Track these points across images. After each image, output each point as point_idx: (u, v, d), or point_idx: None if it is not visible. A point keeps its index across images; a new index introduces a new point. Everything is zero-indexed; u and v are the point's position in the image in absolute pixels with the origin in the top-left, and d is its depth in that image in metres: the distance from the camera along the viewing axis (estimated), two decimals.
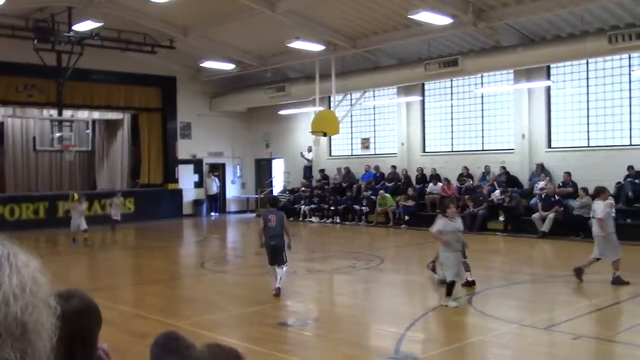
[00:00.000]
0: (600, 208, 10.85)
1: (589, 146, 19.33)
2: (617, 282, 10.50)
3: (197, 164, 28.29)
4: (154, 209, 25.74)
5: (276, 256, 10.31)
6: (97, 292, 10.55)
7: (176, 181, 27.22)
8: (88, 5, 19.23)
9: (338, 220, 23.42)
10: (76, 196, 18.68)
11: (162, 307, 10.07)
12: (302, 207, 24.90)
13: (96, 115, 27.89)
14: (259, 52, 23.81)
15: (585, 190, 17.61)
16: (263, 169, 30.07)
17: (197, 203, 27.91)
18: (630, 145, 18.43)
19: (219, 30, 21.46)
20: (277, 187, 29.06)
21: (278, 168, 29.50)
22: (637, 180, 17.65)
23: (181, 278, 13.57)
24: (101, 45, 21.42)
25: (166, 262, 15.63)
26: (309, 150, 26.53)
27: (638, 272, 11.57)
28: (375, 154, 25.34)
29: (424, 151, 23.71)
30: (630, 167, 17.80)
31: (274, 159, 29.44)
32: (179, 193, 27.24)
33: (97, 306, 2.27)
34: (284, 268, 10.43)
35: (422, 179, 22.82)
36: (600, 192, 11.27)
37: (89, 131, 28.41)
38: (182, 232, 23.62)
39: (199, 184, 28.22)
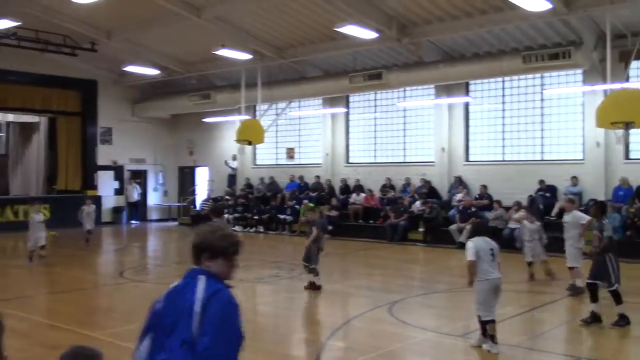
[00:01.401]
0: (583, 215, 11.21)
1: (503, 160, 20.15)
2: (574, 290, 10.97)
3: (118, 171, 27.63)
4: (71, 216, 24.88)
5: None
6: (7, 302, 10.15)
7: (95, 188, 26.47)
8: (5, 3, 18.49)
9: (262, 230, 23.39)
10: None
11: (78, 318, 9.79)
12: (226, 215, 24.71)
13: (10, 117, 26.81)
14: (184, 58, 23.56)
15: (499, 202, 18.37)
16: (186, 177, 29.68)
17: (117, 210, 27.23)
18: (542, 160, 19.36)
19: (143, 34, 21.09)
20: (200, 195, 28.73)
21: (202, 176, 29.18)
22: (547, 194, 18.54)
23: (99, 287, 13.21)
24: (18, 45, 20.61)
25: (83, 271, 15.17)
26: (234, 158, 26.41)
27: (547, 282, 12.18)
28: (299, 164, 25.49)
29: (347, 162, 24.05)
30: (541, 181, 18.69)
31: (198, 166, 29.12)
32: (98, 200, 26.49)
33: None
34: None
35: (346, 189, 23.14)
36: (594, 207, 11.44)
37: (3, 134, 27.24)
38: (101, 240, 22.97)
39: (119, 191, 27.54)
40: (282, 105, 24.71)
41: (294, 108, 25.02)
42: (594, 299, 8.84)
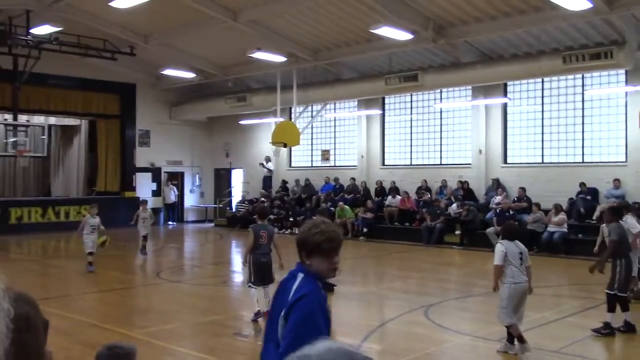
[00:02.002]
0: (635, 224, 10.62)
1: (543, 162, 19.79)
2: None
3: (156, 172, 27.98)
4: (110, 217, 25.19)
5: (267, 274, 9.34)
6: (48, 300, 10.34)
7: (134, 189, 26.84)
8: (47, 9, 18.91)
9: (297, 232, 23.40)
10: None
11: (116, 317, 9.91)
12: (269, 212, 24.79)
13: (52, 120, 27.38)
14: (220, 61, 23.75)
15: (538, 205, 18.05)
16: (222, 179, 29.90)
17: (154, 212, 27.53)
18: (583, 162, 18.95)
19: (180, 38, 21.34)
20: (236, 197, 28.92)
21: (237, 178, 29.37)
22: (588, 197, 18.14)
23: (137, 287, 13.38)
24: (59, 50, 21.06)
25: (121, 271, 15.39)
26: (267, 160, 26.51)
27: (587, 286, 11.89)
28: (335, 166, 25.46)
29: (383, 164, 23.93)
30: (582, 184, 18.28)
31: (233, 168, 29.32)
32: (136, 201, 26.85)
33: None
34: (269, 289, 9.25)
35: (381, 191, 23.02)
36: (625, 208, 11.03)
37: (45, 137, 27.84)
38: (139, 241, 23.28)
39: (157, 193, 27.88)
40: (317, 107, 24.71)
41: (329, 110, 25.00)
42: (621, 308, 8.54)
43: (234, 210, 27.61)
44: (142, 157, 27.29)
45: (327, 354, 1.11)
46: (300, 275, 3.07)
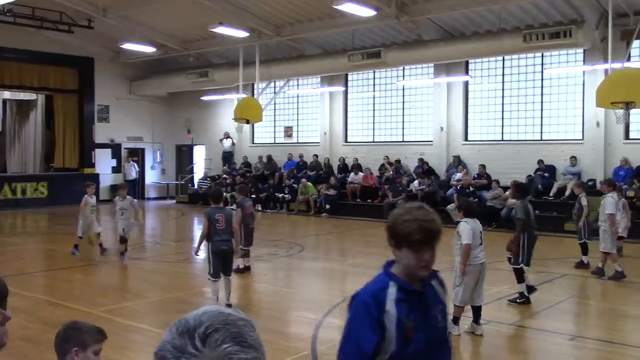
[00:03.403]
0: (610, 204, 10.76)
1: (502, 140, 20.10)
2: (618, 276, 10.61)
3: (116, 149, 27.53)
4: (68, 193, 24.87)
5: (228, 264, 8.63)
6: (6, 279, 10.14)
7: (93, 166, 26.39)
8: None
9: (259, 208, 23.37)
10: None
11: (76, 294, 9.80)
12: (224, 194, 24.70)
13: (7, 95, 26.62)
14: (181, 36, 23.36)
15: (497, 182, 18.37)
16: (184, 155, 29.61)
17: (114, 188, 27.12)
18: (541, 140, 19.31)
19: (140, 11, 20.88)
20: (198, 173, 28.69)
21: (199, 154, 29.11)
22: (546, 174, 18.52)
23: (97, 265, 13.21)
24: (14, 22, 20.40)
25: (81, 249, 15.17)
26: (226, 136, 26.35)
27: (544, 261, 12.17)
28: (298, 143, 25.42)
29: (346, 141, 23.98)
30: (540, 161, 18.65)
31: (195, 145, 29.03)
32: (95, 178, 26.43)
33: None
34: (231, 278, 8.77)
35: (344, 168, 23.10)
36: (608, 185, 11.17)
37: None
38: (98, 218, 22.94)
39: (117, 169, 27.47)
40: (280, 83, 24.57)
41: (292, 86, 24.88)
42: (518, 279, 8.82)
43: (195, 187, 27.40)
44: (102, 133, 26.80)
45: (202, 316, 1.14)
46: (380, 272, 2.64)
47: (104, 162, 26.87)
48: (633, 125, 17.62)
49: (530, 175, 18.65)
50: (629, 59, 16.50)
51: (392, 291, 2.51)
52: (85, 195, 13.47)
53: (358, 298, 2.55)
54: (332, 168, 23.41)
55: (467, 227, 7.25)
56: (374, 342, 2.46)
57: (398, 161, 21.53)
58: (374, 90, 23.22)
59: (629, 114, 14.83)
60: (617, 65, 15.27)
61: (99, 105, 26.82)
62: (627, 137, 17.81)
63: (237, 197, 10.40)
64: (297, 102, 25.57)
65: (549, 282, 10.63)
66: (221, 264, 8.48)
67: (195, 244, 9.47)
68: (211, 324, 1.12)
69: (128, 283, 10.82)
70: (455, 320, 7.25)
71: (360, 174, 22.03)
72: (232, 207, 11.89)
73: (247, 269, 11.47)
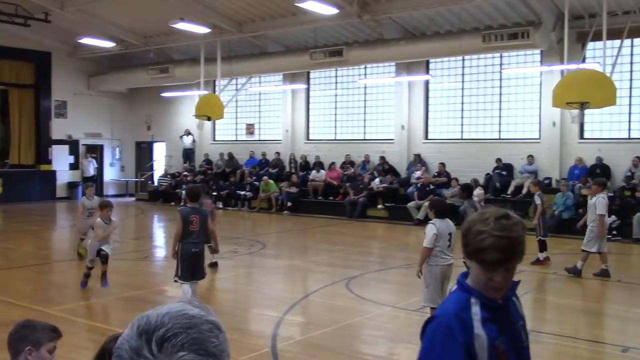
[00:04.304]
0: (602, 204, 10.73)
1: (462, 139, 20.39)
2: (603, 274, 10.70)
3: (73, 145, 27.03)
4: (24, 191, 24.35)
5: (198, 268, 8.08)
6: None
7: (50, 162, 25.87)
8: None
9: (221, 206, 23.23)
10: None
11: (31, 294, 9.60)
12: (184, 192, 24.52)
13: None
14: (142, 31, 23.05)
15: (456, 180, 18.64)
16: (144, 152, 29.24)
17: (72, 185, 26.69)
18: (500, 139, 19.65)
19: (99, 5, 20.53)
20: (158, 170, 28.37)
21: (160, 151, 28.78)
22: (504, 172, 18.86)
23: (53, 263, 12.97)
24: None
25: (37, 247, 14.87)
26: (187, 133, 26.15)
27: None
28: (260, 140, 25.35)
29: (308, 139, 24.01)
30: (498, 160, 18.99)
31: (155, 141, 28.70)
32: (52, 175, 25.94)
33: None
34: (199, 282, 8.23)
35: (306, 166, 23.12)
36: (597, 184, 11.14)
37: None
38: (55, 215, 22.54)
39: (74, 166, 26.97)
40: (242, 80, 24.46)
41: (254, 83, 24.79)
42: None
43: (156, 184, 27.09)
44: (59, 129, 26.27)
45: (164, 316, 1.09)
46: (454, 287, 2.25)
47: (61, 159, 26.36)
48: (587, 125, 18.09)
49: (488, 174, 18.98)
50: (584, 61, 16.91)
51: (475, 310, 2.09)
52: (82, 198, 12.23)
53: (437, 321, 2.11)
54: (296, 165, 23.42)
55: (433, 230, 7.05)
56: None
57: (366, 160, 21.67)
58: (335, 89, 23.29)
59: (583, 114, 15.22)
60: (573, 67, 15.63)
61: (56, 101, 26.30)
62: (581, 136, 18.25)
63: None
64: (259, 100, 25.48)
65: None
66: (190, 267, 7.91)
67: (171, 251, 8.45)
68: (172, 327, 1.07)
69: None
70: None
71: (322, 171, 22.09)
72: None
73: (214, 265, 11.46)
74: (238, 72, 22.92)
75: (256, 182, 22.83)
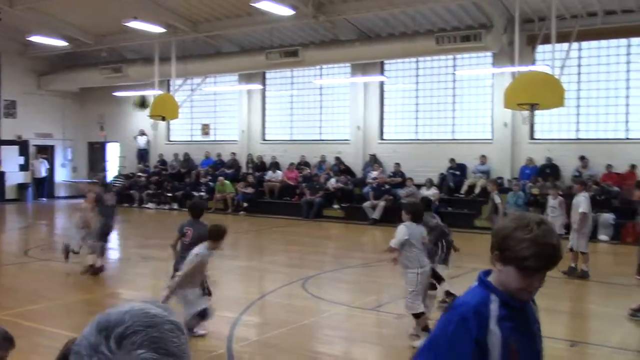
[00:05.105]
0: (585, 203, 10.88)
1: (417, 139, 20.64)
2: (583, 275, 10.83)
3: (23, 146, 26.36)
4: None
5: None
6: None
7: None
8: None
9: (176, 207, 23.01)
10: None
11: None
12: (138, 193, 24.20)
13: None
14: (94, 29, 22.63)
15: (411, 180, 18.90)
16: (96, 153, 28.71)
17: (22, 187, 26.04)
18: (453, 139, 19.97)
19: (50, 2, 20.04)
20: (112, 171, 27.89)
21: (113, 152, 28.31)
22: (457, 172, 19.19)
23: (2, 267, 12.65)
24: None
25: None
26: (141, 133, 25.81)
27: (461, 256, 12.59)
28: (215, 141, 25.18)
29: (264, 139, 23.96)
30: (451, 160, 19.30)
31: (108, 142, 28.21)
32: (1, 176, 25.26)
33: None
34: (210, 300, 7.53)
35: (262, 166, 23.07)
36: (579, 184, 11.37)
37: None
38: (4, 217, 21.95)
39: (24, 167, 26.32)
40: (197, 80, 24.25)
41: (209, 84, 24.61)
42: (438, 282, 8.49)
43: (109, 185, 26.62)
44: (8, 129, 25.59)
45: (125, 314, 1.08)
46: (474, 284, 2.25)
47: (10, 160, 25.68)
48: (537, 125, 18.54)
49: (442, 173, 19.28)
50: (534, 63, 17.33)
51: (494, 307, 2.11)
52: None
53: (454, 311, 2.14)
54: (253, 166, 23.34)
55: (403, 232, 6.88)
56: None
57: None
58: (291, 89, 23.31)
59: (533, 115, 15.59)
60: (523, 69, 16.00)
61: (5, 100, 25.62)
62: (532, 137, 18.69)
63: (96, 190, 9.66)
64: (215, 100, 25.32)
65: (461, 276, 11.02)
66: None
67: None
68: (132, 324, 1.06)
69: (36, 285, 10.41)
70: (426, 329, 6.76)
71: (279, 172, 22.07)
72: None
73: (100, 269, 10.70)
74: (193, 72, 22.72)
75: (211, 183, 22.68)
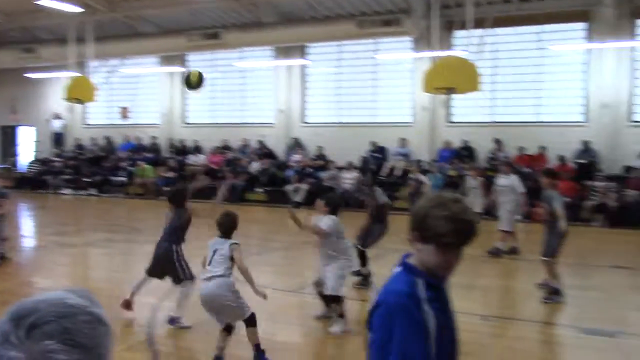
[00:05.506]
0: (520, 184, 11.27)
1: (339, 122, 20.85)
2: (497, 252, 11.30)
3: None
4: None
5: (156, 268, 7.79)
6: None
7: None
8: None
9: (94, 192, 22.39)
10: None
11: None
12: (54, 178, 23.38)
13: None
14: (3, 7, 21.56)
15: (333, 163, 19.11)
16: (8, 137, 27.48)
17: None
18: (374, 122, 20.29)
19: None
20: (25, 156, 26.79)
21: (26, 136, 27.16)
22: (378, 155, 19.54)
23: None
24: None
25: None
26: (56, 117, 24.90)
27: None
28: (135, 124, 24.58)
29: (185, 122, 23.59)
30: (373, 143, 19.63)
31: (21, 126, 27.04)
32: None
33: None
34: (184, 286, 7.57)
35: (184, 150, 22.74)
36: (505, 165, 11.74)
37: None
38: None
39: None
40: (115, 62, 23.56)
41: (128, 65, 23.96)
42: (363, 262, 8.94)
43: (22, 170, 25.59)
44: None
45: (41, 303, 1.05)
46: (397, 269, 2.26)
47: None
48: (455, 109, 19.09)
49: (364, 156, 19.58)
50: (451, 48, 17.80)
51: (422, 289, 2.15)
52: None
53: (390, 304, 2.12)
54: (174, 150, 22.96)
55: (331, 221, 6.95)
56: (430, 352, 2.09)
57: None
58: (213, 72, 22.99)
59: (450, 99, 16.05)
60: (442, 54, 16.41)
61: None
62: (449, 120, 19.24)
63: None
64: (135, 82, 24.68)
65: (382, 256, 11.29)
66: (151, 263, 7.81)
67: None
68: (45, 314, 1.03)
69: None
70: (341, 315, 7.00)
71: (201, 155, 21.82)
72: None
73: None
74: (111, 54, 22.05)
75: (131, 168, 22.18)
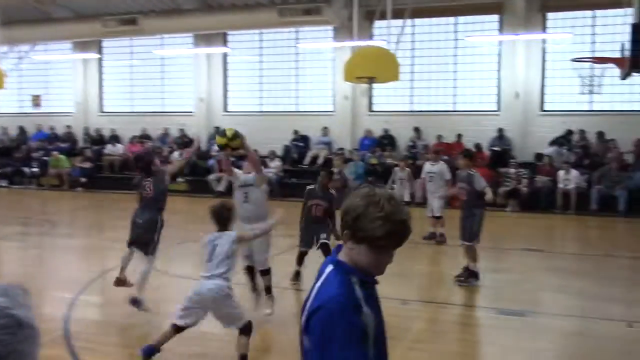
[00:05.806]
0: (448, 171, 11.45)
1: (261, 111, 20.76)
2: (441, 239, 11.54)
3: None
4: None
5: (136, 238, 7.91)
6: None
7: None
8: None
9: (5, 184, 21.41)
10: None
11: None
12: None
13: None
14: None
15: (256, 151, 18.96)
16: None
17: None
18: (297, 111, 20.33)
19: None
20: None
21: None
22: (301, 144, 19.60)
23: None
24: None
25: None
26: None
27: (291, 225, 12.93)
28: (48, 113, 23.62)
29: (102, 111, 22.88)
30: (295, 132, 19.66)
31: None
32: None
33: None
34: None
35: (100, 140, 22.07)
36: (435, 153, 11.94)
37: None
38: None
39: None
40: (25, 48, 22.50)
41: (39, 52, 22.95)
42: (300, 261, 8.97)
43: None
44: None
45: None
46: (329, 268, 2.15)
47: None
48: (375, 98, 19.37)
49: (286, 145, 19.59)
50: (372, 38, 18.00)
51: (357, 289, 2.08)
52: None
53: (329, 307, 2.02)
54: (89, 139, 22.22)
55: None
56: (371, 355, 2.05)
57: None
58: (131, 59, 22.40)
59: (371, 88, 16.25)
60: (362, 44, 16.57)
61: None
62: (370, 109, 19.51)
63: None
64: (47, 69, 23.69)
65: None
66: (131, 233, 7.95)
67: None
68: None
69: None
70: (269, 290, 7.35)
71: (119, 145, 21.24)
72: None
73: None
74: (20, 39, 21.02)
75: (45, 158, 21.33)
